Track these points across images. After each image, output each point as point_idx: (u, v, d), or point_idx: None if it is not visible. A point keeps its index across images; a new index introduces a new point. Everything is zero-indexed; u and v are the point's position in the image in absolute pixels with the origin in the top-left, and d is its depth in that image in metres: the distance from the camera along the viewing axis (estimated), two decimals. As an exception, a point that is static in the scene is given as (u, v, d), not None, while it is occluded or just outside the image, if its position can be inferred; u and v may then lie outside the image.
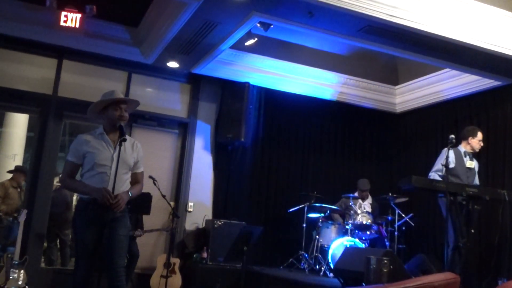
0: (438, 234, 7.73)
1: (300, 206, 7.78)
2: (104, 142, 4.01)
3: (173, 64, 7.61)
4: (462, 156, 6.11)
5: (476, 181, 6.19)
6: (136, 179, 4.17)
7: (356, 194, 7.98)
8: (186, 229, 7.89)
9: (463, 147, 6.18)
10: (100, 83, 7.63)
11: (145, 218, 7.08)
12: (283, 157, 8.65)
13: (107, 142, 4.01)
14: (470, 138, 6.16)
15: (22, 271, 6.07)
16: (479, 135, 6.18)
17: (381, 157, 9.30)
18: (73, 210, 8.17)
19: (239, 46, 7.34)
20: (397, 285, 2.41)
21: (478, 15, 5.99)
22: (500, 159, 7.07)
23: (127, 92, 7.73)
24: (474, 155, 6.25)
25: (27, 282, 6.10)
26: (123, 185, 4.00)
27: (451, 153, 5.93)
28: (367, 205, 7.95)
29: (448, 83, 7.97)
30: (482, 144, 6.21)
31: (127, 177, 4.08)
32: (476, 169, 6.24)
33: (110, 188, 3.81)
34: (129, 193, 3.99)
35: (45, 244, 7.83)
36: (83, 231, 3.88)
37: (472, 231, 5.68)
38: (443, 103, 8.19)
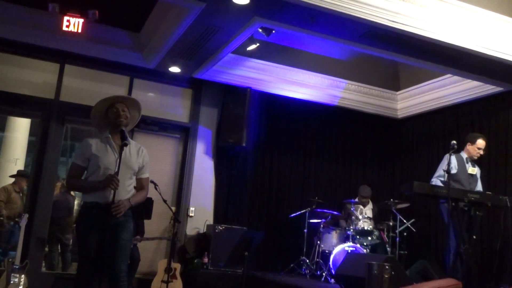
0: (440, 240, 7.72)
1: (302, 211, 7.78)
2: (109, 146, 4.01)
3: (174, 69, 7.62)
4: (464, 162, 6.09)
5: (479, 187, 6.17)
6: (140, 185, 4.14)
7: (356, 199, 7.98)
8: (187, 234, 7.88)
9: (465, 153, 6.17)
10: (102, 88, 7.64)
11: (146, 223, 7.07)
12: (284, 162, 8.64)
13: (111, 146, 4.01)
14: (468, 144, 6.12)
15: (23, 276, 6.05)
16: (479, 142, 6.08)
17: (383, 162, 9.29)
18: (76, 214, 8.20)
19: (241, 51, 7.35)
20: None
21: (479, 21, 5.99)
22: (502, 165, 7.06)
23: (128, 97, 7.74)
24: (476, 161, 6.23)
25: (28, 287, 6.09)
26: (127, 190, 3.99)
27: (453, 159, 5.92)
28: (368, 211, 7.94)
29: (450, 89, 7.97)
30: (481, 153, 6.13)
31: (131, 182, 4.06)
32: (479, 175, 6.21)
33: (112, 193, 3.80)
34: (129, 201, 3.96)
35: (46, 249, 7.82)
36: (86, 236, 3.88)
37: (474, 237, 5.67)
38: (445, 109, 8.18)
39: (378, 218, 7.97)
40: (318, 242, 7.46)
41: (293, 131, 8.76)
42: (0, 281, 6.00)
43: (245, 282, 5.70)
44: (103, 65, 7.64)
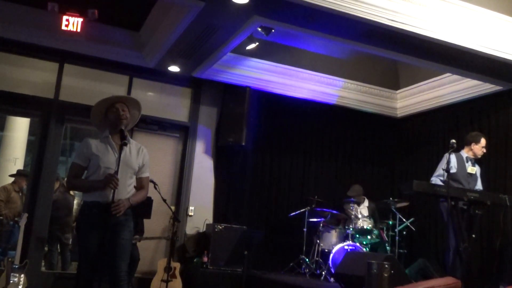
0: (439, 239, 7.73)
1: (301, 210, 7.77)
2: (109, 146, 4.02)
3: (174, 68, 7.62)
4: (464, 161, 6.10)
5: (479, 186, 6.17)
6: (140, 184, 4.14)
7: (353, 198, 7.96)
8: (187, 233, 7.88)
9: (465, 153, 6.17)
10: (101, 87, 7.64)
11: (145, 222, 7.08)
12: (284, 161, 8.64)
13: (111, 145, 4.02)
14: (473, 144, 6.15)
15: (22, 275, 6.06)
16: (482, 141, 6.15)
17: (382, 161, 9.28)
18: (75, 214, 8.20)
19: (240, 50, 7.35)
20: (398, 290, 2.41)
21: (479, 20, 5.99)
22: (501, 163, 7.06)
23: (128, 96, 7.74)
24: (476, 160, 6.24)
25: (27, 286, 6.09)
26: (127, 190, 4.00)
27: (453, 158, 5.93)
28: (363, 209, 7.93)
29: (449, 88, 7.97)
30: (484, 151, 6.18)
31: (131, 181, 4.06)
32: (478, 174, 6.22)
33: (111, 192, 3.81)
34: (129, 200, 3.97)
35: (46, 248, 7.82)
36: (86, 235, 3.88)
37: (473, 236, 5.67)
38: (444, 108, 8.18)
39: (376, 216, 7.97)
40: (318, 241, 7.46)
41: (292, 130, 8.75)
42: (0, 280, 6.00)
43: (245, 281, 5.71)
44: (103, 64, 7.63)
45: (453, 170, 5.87)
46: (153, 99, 8.07)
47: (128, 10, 7.07)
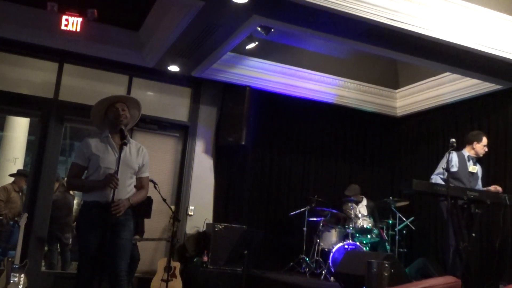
0: (439, 238, 7.73)
1: (301, 209, 7.78)
2: (109, 146, 4.02)
3: (174, 68, 7.62)
4: (466, 160, 6.09)
5: (479, 185, 6.17)
6: (140, 184, 4.15)
7: (353, 198, 7.96)
8: (187, 233, 7.88)
9: (467, 151, 6.17)
10: (101, 87, 7.64)
11: (145, 222, 7.08)
12: (284, 160, 8.64)
13: (111, 145, 4.02)
14: (475, 143, 6.15)
15: (22, 275, 6.06)
16: (484, 140, 6.15)
17: (382, 160, 9.29)
18: (75, 214, 8.20)
19: (240, 49, 7.35)
20: (398, 289, 2.41)
21: (478, 19, 5.99)
22: (501, 162, 7.06)
23: (128, 96, 7.73)
24: (477, 159, 6.24)
25: (27, 286, 6.09)
26: (127, 190, 4.00)
27: (455, 157, 5.94)
28: (362, 208, 7.93)
29: (449, 87, 7.97)
30: (486, 149, 6.19)
31: (131, 181, 4.07)
32: (480, 173, 6.22)
33: (111, 192, 3.81)
34: (129, 200, 3.97)
35: (46, 248, 7.82)
36: (86, 235, 3.89)
37: (473, 235, 5.67)
38: (444, 107, 8.18)
39: (376, 215, 7.96)
40: (318, 240, 7.47)
41: (292, 129, 8.76)
42: (0, 280, 6.00)
43: (245, 280, 5.70)
44: (102, 64, 7.63)
45: (454, 169, 5.88)
46: (152, 99, 8.07)
47: (127, 10, 7.06)
